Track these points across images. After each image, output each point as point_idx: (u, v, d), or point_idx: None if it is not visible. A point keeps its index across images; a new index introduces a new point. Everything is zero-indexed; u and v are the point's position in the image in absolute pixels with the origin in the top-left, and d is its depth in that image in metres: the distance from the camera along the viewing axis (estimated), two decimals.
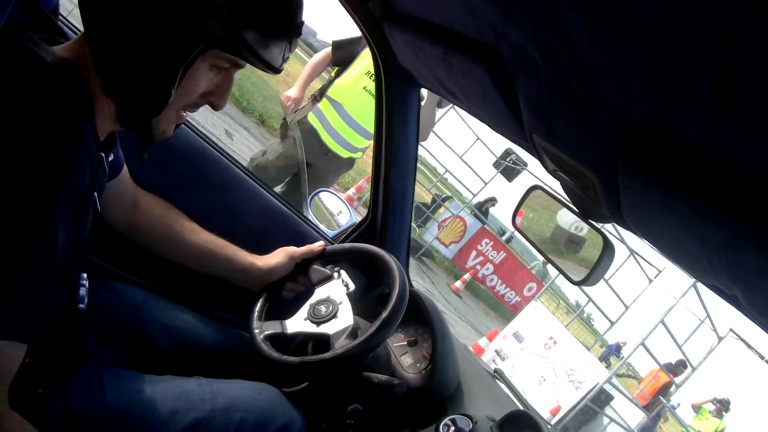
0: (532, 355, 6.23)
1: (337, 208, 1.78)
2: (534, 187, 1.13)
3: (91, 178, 0.71)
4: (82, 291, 0.87)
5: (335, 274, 1.20)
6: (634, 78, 0.51)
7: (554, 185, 1.07)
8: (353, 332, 1.04)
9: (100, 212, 0.84)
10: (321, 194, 1.82)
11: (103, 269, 1.13)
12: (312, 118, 2.77)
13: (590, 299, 7.78)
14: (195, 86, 0.75)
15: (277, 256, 1.21)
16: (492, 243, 11.35)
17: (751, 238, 0.47)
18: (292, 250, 1.22)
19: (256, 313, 1.14)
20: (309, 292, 1.18)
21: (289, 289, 1.21)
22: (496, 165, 9.66)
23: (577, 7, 0.51)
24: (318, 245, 1.23)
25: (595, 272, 0.93)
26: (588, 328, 14.32)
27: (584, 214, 0.94)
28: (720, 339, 6.66)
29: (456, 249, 11.12)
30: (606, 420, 6.78)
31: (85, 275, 0.88)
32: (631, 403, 6.74)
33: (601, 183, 0.73)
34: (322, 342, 1.06)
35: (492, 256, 11.37)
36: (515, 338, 6.54)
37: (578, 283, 0.98)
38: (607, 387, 6.05)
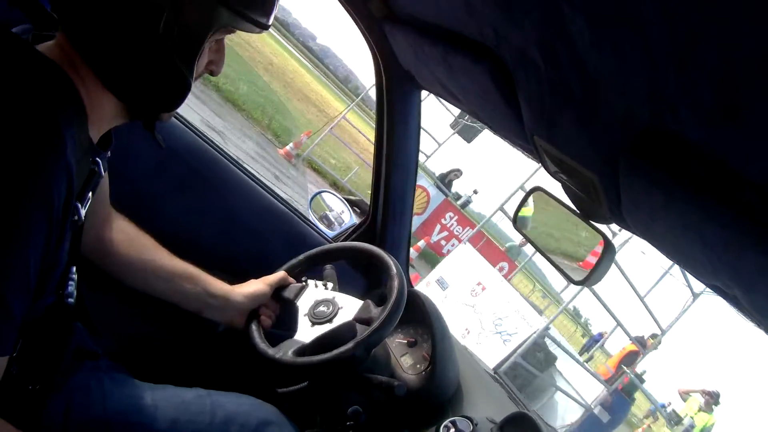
0: (456, 304, 5.27)
1: (338, 209, 1.78)
2: (535, 189, 1.13)
3: (68, 189, 0.66)
4: (71, 285, 0.83)
5: (304, 283, 1.18)
6: (634, 79, 0.51)
7: (555, 186, 1.07)
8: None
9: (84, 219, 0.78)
10: (321, 194, 1.82)
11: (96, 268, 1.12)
12: None
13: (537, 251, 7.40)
14: (201, 64, 0.77)
15: (255, 285, 1.15)
16: (456, 217, 10.21)
17: (752, 239, 0.47)
18: (265, 278, 1.17)
19: (262, 344, 1.07)
20: (293, 309, 1.15)
21: (267, 315, 1.15)
22: (453, 125, 8.44)
23: (577, 9, 0.51)
24: (283, 275, 1.18)
25: (596, 272, 0.93)
26: (567, 315, 13.63)
27: (585, 215, 0.95)
28: (695, 296, 5.85)
29: (419, 222, 9.80)
30: (559, 395, 6.02)
31: (74, 268, 0.84)
32: (588, 373, 5.95)
33: (602, 184, 0.73)
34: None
35: (457, 231, 10.14)
36: (439, 285, 5.53)
37: (579, 283, 0.98)
38: (560, 353, 5.23)
